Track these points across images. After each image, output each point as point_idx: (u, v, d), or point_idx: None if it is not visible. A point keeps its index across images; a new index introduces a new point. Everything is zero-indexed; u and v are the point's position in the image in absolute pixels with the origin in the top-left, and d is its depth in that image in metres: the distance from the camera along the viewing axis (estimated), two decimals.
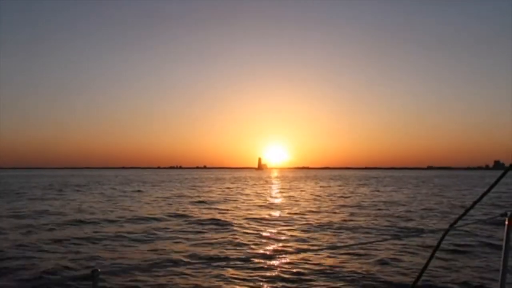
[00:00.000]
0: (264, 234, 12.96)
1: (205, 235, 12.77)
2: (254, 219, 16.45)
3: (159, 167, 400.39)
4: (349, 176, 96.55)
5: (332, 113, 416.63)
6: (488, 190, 2.59)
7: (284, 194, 32.84)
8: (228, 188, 42.43)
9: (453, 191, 36.26)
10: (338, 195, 31.55)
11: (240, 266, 8.56)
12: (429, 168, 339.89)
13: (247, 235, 12.78)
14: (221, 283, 7.50)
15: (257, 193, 34.53)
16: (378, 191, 36.83)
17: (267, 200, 26.35)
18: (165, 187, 42.62)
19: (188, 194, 31.58)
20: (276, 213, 18.74)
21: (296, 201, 25.92)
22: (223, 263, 8.76)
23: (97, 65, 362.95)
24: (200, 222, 15.45)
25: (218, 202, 24.51)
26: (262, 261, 8.98)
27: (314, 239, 12.24)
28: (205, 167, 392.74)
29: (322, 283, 7.51)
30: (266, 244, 11.52)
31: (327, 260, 9.19)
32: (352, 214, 18.25)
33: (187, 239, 12.02)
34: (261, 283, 7.54)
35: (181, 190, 38.10)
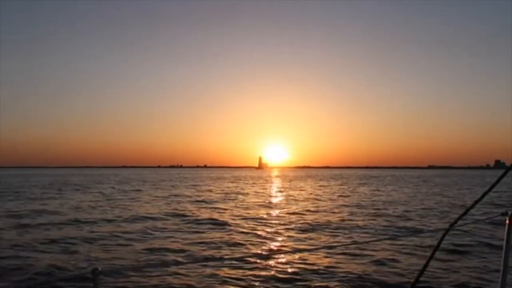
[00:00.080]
0: (261, 233, 12.87)
1: (203, 234, 12.70)
2: (252, 219, 16.36)
3: (159, 166, 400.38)
4: (349, 175, 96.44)
5: (333, 113, 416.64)
6: (489, 190, 2.56)
7: (283, 193, 32.75)
8: (228, 187, 42.35)
9: (454, 191, 36.15)
10: (338, 194, 31.44)
11: (236, 265, 8.48)
12: (430, 167, 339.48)
13: (243, 234, 12.69)
14: (220, 282, 7.47)
15: (256, 192, 34.44)
16: (378, 190, 36.72)
17: (266, 200, 26.27)
18: (165, 187, 42.55)
19: (188, 194, 31.51)
20: (274, 213, 18.65)
21: (295, 200, 25.83)
22: (221, 263, 8.68)
23: (97, 65, 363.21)
24: (198, 222, 15.38)
25: (217, 202, 24.43)
26: (258, 261, 8.92)
27: (311, 239, 12.16)
28: (205, 166, 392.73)
29: (319, 283, 7.42)
30: (263, 244, 11.43)
31: (324, 260, 9.11)
32: (351, 213, 18.15)
33: (184, 238, 11.94)
34: (257, 283, 7.46)
35: (180, 189, 38.04)
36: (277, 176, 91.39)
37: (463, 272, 8.23)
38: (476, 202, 2.62)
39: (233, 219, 16.08)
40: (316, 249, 9.14)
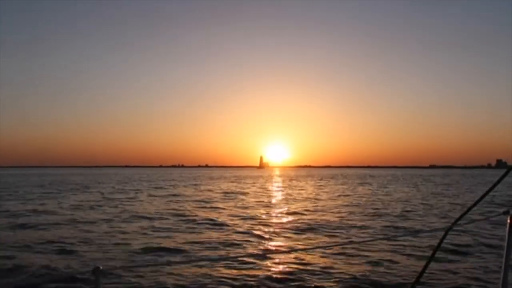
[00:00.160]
0: (258, 233, 12.77)
1: (200, 234, 12.62)
2: (251, 218, 16.28)
3: (161, 166, 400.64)
4: (350, 175, 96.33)
5: (334, 112, 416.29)
6: (490, 189, 2.51)
7: (283, 193, 32.68)
8: (228, 187, 42.29)
9: (454, 190, 36.02)
10: (337, 193, 31.35)
11: (232, 265, 8.41)
12: (431, 166, 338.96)
13: (241, 234, 12.60)
14: (220, 281, 7.46)
15: (256, 192, 34.37)
16: (378, 189, 36.62)
17: (266, 199, 26.19)
18: (165, 186, 42.51)
19: (187, 193, 31.45)
20: (273, 212, 18.58)
21: (294, 200, 25.74)
22: (220, 262, 8.67)
23: (97, 65, 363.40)
24: (196, 221, 15.29)
25: (216, 201, 24.35)
26: (255, 260, 8.83)
27: (308, 238, 12.08)
28: (206, 166, 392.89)
29: (316, 283, 7.34)
30: (260, 243, 11.35)
31: (321, 259, 9.03)
32: (350, 213, 18.05)
33: (182, 238, 11.87)
34: (254, 283, 7.40)
35: (180, 189, 37.99)
36: (278, 176, 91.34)
37: (464, 272, 8.15)
38: (477, 201, 2.56)
39: (231, 219, 16.00)
40: (312, 248, 9.05)
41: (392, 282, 7.41)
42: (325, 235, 12.53)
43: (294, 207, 20.67)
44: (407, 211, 18.94)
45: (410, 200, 25.18)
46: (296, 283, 7.38)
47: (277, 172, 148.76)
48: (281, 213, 18.41)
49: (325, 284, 7.29)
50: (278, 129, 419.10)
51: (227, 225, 14.38)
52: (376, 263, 8.72)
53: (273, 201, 25.06)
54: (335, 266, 8.51)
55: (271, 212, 18.52)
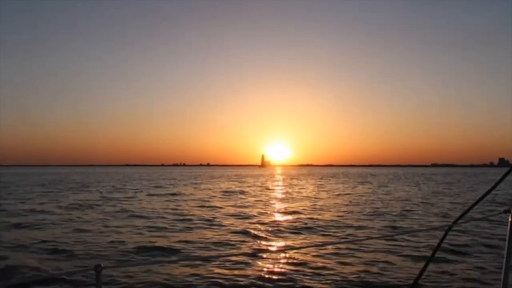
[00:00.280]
0: (253, 232, 12.61)
1: (194, 233, 12.48)
2: (247, 217, 16.13)
3: (162, 165, 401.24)
4: (351, 174, 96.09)
5: (336, 111, 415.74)
6: (492, 188, 2.52)
7: (282, 192, 32.54)
8: (228, 186, 42.17)
9: (456, 189, 35.78)
10: (337, 192, 31.18)
11: (226, 264, 8.31)
12: (434, 165, 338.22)
13: (235, 233, 12.45)
14: (220, 279, 7.44)
15: (255, 190, 34.24)
16: (378, 188, 36.42)
17: (264, 198, 26.04)
18: (165, 185, 42.42)
19: (186, 192, 31.32)
20: (270, 211, 18.43)
21: (293, 198, 25.59)
22: (217, 261, 8.66)
23: (97, 65, 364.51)
24: (192, 220, 15.15)
25: (214, 200, 24.20)
26: (249, 259, 8.71)
27: (305, 237, 11.96)
28: (208, 165, 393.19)
29: (311, 284, 7.20)
30: (254, 242, 11.20)
31: (317, 259, 8.90)
32: (348, 212, 17.89)
33: (176, 237, 11.73)
34: (250, 282, 7.30)
35: (180, 188, 37.88)
36: (279, 175, 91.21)
37: (464, 272, 8.01)
38: (478, 200, 2.54)
39: (228, 218, 15.86)
40: (307, 247, 8.88)
41: (390, 282, 7.26)
42: (322, 235, 12.37)
43: (292, 206, 20.51)
44: (407, 210, 18.74)
45: (410, 199, 24.97)
46: (290, 283, 7.25)
47: (278, 171, 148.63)
48: (279, 212, 18.25)
49: (320, 285, 7.14)
50: (279, 128, 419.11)
51: (223, 225, 14.22)
52: (373, 263, 8.57)
53: (272, 200, 24.89)
54: (332, 266, 8.37)
55: (268, 211, 18.36)
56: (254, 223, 14.56)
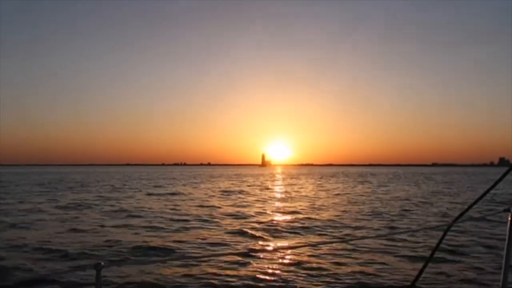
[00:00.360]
0: (250, 232, 12.54)
1: (189, 232, 12.42)
2: (244, 217, 16.07)
3: (163, 164, 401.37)
4: (351, 173, 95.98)
5: (336, 111, 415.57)
6: (491, 188, 2.51)
7: (281, 191, 32.49)
8: (227, 185, 42.12)
9: (455, 189, 35.70)
10: (336, 192, 31.11)
11: (222, 264, 8.24)
12: (434, 165, 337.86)
13: (231, 233, 12.39)
14: (209, 279, 7.41)
15: (254, 190, 34.18)
16: (377, 188, 36.35)
17: (262, 198, 25.98)
18: (164, 184, 42.38)
19: (185, 192, 31.27)
20: (268, 211, 18.36)
21: (292, 198, 25.53)
22: (221, 258, 8.69)
23: (98, 65, 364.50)
24: (188, 220, 15.09)
25: (212, 200, 24.15)
26: (243, 259, 8.64)
27: (301, 236, 11.91)
28: (209, 164, 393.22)
29: (306, 284, 7.14)
30: (250, 242, 11.15)
31: (312, 259, 8.82)
32: (346, 211, 17.82)
33: (171, 236, 11.68)
34: (245, 282, 7.27)
35: (179, 187, 37.84)
36: (279, 174, 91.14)
37: (463, 272, 7.95)
38: (478, 200, 2.55)
39: (224, 218, 15.79)
40: (302, 246, 8.83)
41: (388, 283, 7.19)
42: (319, 234, 12.31)
43: (290, 206, 20.46)
44: (406, 210, 18.67)
45: (409, 198, 24.90)
46: (285, 284, 7.19)
47: (278, 170, 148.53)
48: (277, 212, 18.19)
49: (315, 285, 7.08)
50: (280, 127, 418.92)
51: (220, 224, 14.16)
52: (371, 263, 8.50)
53: (271, 199, 24.82)
54: (328, 266, 8.30)
55: (266, 211, 18.28)
56: (251, 223, 14.49)
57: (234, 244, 10.81)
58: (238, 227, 13.42)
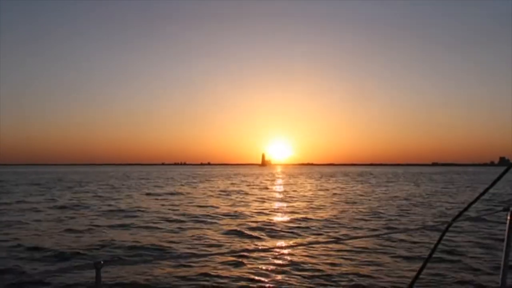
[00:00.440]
0: (246, 232, 12.45)
1: (187, 232, 12.34)
2: (239, 217, 15.96)
3: (163, 164, 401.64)
4: (351, 173, 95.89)
5: (336, 110, 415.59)
6: (490, 187, 2.52)
7: (279, 191, 32.42)
8: (225, 185, 42.02)
9: (454, 188, 35.59)
10: (335, 192, 31.00)
11: (217, 263, 8.17)
12: (434, 164, 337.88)
13: (226, 233, 12.30)
14: (206, 278, 7.40)
15: (252, 190, 34.08)
16: (376, 188, 36.24)
17: (260, 197, 25.88)
18: (162, 184, 42.30)
19: (182, 191, 31.17)
20: (264, 211, 18.26)
21: (290, 197, 25.42)
22: (221, 257, 8.65)
23: (98, 64, 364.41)
24: (183, 221, 14.98)
25: (209, 200, 24.04)
26: (239, 259, 8.55)
27: (299, 236, 11.84)
28: (209, 164, 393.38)
29: (303, 286, 7.03)
30: (245, 242, 11.07)
31: (310, 259, 8.73)
32: (343, 211, 17.73)
33: (163, 236, 11.58)
34: (237, 282, 7.19)
35: (176, 187, 37.76)
36: (278, 174, 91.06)
37: (462, 272, 7.86)
38: (476, 199, 2.53)
39: (221, 217, 15.70)
40: (300, 246, 8.74)
41: (386, 284, 7.09)
42: (316, 234, 12.22)
43: (288, 206, 20.40)
44: (404, 209, 18.56)
45: (408, 198, 24.78)
46: (280, 284, 7.10)
47: (278, 169, 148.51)
48: (274, 211, 18.10)
49: (310, 287, 6.98)
50: (280, 126, 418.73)
51: (216, 224, 14.07)
52: (368, 264, 8.41)
53: (269, 199, 24.72)
54: (324, 266, 8.20)
55: (264, 211, 18.18)
56: (248, 223, 14.38)
57: (229, 244, 10.73)
58: (234, 227, 13.32)
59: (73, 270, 7.63)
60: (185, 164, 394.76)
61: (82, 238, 11.36)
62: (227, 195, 27.70)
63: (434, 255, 2.81)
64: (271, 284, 7.13)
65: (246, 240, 11.34)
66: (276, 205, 20.95)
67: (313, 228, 13.27)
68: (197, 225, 13.91)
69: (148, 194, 28.17)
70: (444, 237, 2.72)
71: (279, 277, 7.52)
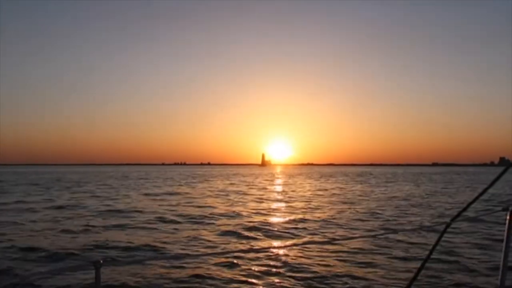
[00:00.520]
0: (242, 232, 12.38)
1: (184, 231, 12.26)
2: (235, 217, 15.90)
3: (163, 164, 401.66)
4: (351, 173, 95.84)
5: (337, 110, 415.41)
6: (489, 187, 2.49)
7: (277, 191, 32.36)
8: (224, 185, 41.97)
9: (454, 188, 35.53)
10: (333, 192, 30.95)
11: (213, 263, 8.10)
12: (434, 164, 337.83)
13: (224, 233, 12.23)
14: (202, 278, 7.38)
15: (251, 190, 34.02)
16: (376, 187, 36.20)
17: (257, 197, 25.82)
18: (161, 184, 42.23)
19: (181, 191, 31.11)
20: (261, 211, 18.19)
21: (289, 198, 25.36)
22: (214, 258, 8.62)
23: (98, 64, 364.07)
24: (181, 219, 14.94)
25: (206, 199, 23.98)
26: (234, 259, 8.47)
27: (295, 236, 11.80)
28: (209, 164, 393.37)
29: (300, 287, 6.96)
30: (242, 242, 11.03)
31: (306, 259, 8.66)
32: (341, 211, 17.66)
33: (156, 236, 11.51)
34: (231, 282, 7.14)
35: (175, 187, 37.70)
36: (278, 174, 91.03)
37: (461, 272, 7.80)
38: (476, 199, 2.51)
39: (218, 218, 15.63)
40: (295, 246, 8.70)
41: (385, 284, 7.02)
42: (313, 234, 12.18)
43: (286, 206, 20.34)
44: (403, 210, 18.51)
45: (407, 198, 24.72)
46: (274, 285, 7.05)
47: (278, 170, 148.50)
48: (272, 212, 18.04)
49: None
50: (280, 126, 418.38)
51: (212, 224, 14.01)
52: (365, 265, 8.33)
53: (267, 199, 24.65)
54: (319, 267, 8.12)
55: (261, 211, 18.11)
56: (244, 223, 14.30)
57: (225, 245, 10.68)
58: (231, 227, 13.26)
59: (72, 269, 7.64)
60: (185, 164, 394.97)
61: (77, 239, 11.30)
62: (226, 195, 27.63)
63: (432, 256, 2.78)
64: (264, 286, 7.06)
65: (242, 241, 11.27)
66: (274, 205, 20.88)
67: (310, 228, 13.20)
68: (194, 225, 13.85)
69: (146, 194, 28.11)
70: (443, 238, 2.70)
71: (272, 279, 7.44)
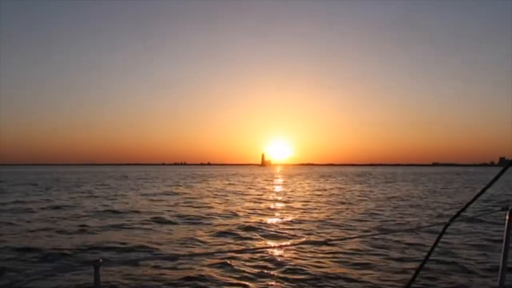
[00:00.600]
0: (238, 232, 12.31)
1: (181, 231, 12.19)
2: (235, 217, 15.83)
3: (163, 164, 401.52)
4: (350, 173, 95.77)
5: (337, 110, 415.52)
6: (488, 186, 2.52)
7: (276, 191, 32.30)
8: (223, 185, 41.91)
9: (453, 188, 35.47)
10: (331, 192, 30.89)
11: (211, 263, 8.03)
12: (434, 164, 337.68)
13: (220, 233, 12.15)
14: (197, 278, 7.39)
15: (249, 190, 33.95)
16: (375, 187, 36.14)
17: (255, 197, 25.76)
18: (160, 184, 42.17)
19: (179, 191, 31.04)
20: (257, 211, 18.12)
21: (287, 198, 25.29)
22: (211, 257, 8.65)
23: (98, 64, 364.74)
24: (172, 221, 14.84)
25: (204, 199, 23.90)
26: (228, 259, 8.41)
27: (292, 236, 11.73)
28: (209, 164, 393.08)
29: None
30: (237, 242, 10.94)
31: (302, 260, 8.58)
32: (338, 211, 17.59)
33: (149, 236, 11.42)
34: (227, 282, 7.12)
35: (173, 187, 37.63)
36: (277, 174, 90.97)
37: (460, 272, 7.74)
38: (475, 198, 2.53)
39: (215, 218, 15.57)
40: (291, 246, 8.63)
41: (388, 282, 6.98)
42: (309, 234, 12.10)
43: (284, 206, 20.29)
44: (401, 210, 18.43)
45: (405, 198, 24.65)
46: (269, 285, 6.99)
47: (278, 170, 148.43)
48: (270, 212, 17.98)
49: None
50: (280, 127, 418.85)
51: (209, 224, 13.94)
52: (363, 265, 8.27)
53: (265, 199, 24.59)
54: (316, 268, 8.05)
55: (259, 211, 18.05)
56: (241, 223, 14.23)
57: (221, 244, 10.62)
58: (227, 228, 13.19)
59: (72, 269, 7.63)
60: (185, 164, 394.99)
61: (72, 239, 11.23)
62: (224, 195, 27.55)
63: (431, 257, 2.75)
64: (263, 285, 7.00)
65: (238, 241, 11.20)
66: (272, 205, 20.80)
67: (307, 229, 13.12)
68: (191, 225, 13.79)
69: (144, 194, 28.02)
70: (442, 238, 2.67)
71: (266, 280, 7.36)
